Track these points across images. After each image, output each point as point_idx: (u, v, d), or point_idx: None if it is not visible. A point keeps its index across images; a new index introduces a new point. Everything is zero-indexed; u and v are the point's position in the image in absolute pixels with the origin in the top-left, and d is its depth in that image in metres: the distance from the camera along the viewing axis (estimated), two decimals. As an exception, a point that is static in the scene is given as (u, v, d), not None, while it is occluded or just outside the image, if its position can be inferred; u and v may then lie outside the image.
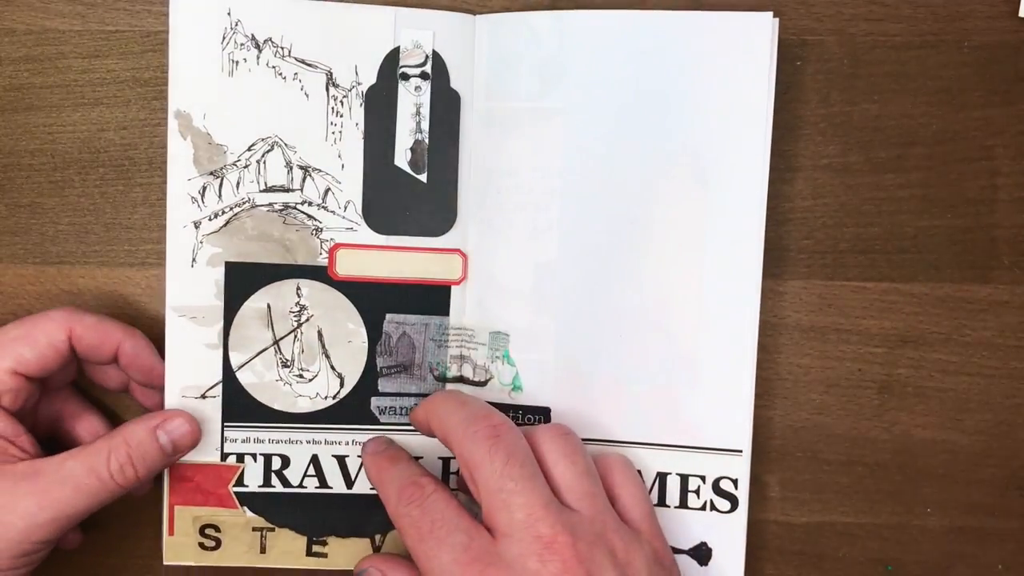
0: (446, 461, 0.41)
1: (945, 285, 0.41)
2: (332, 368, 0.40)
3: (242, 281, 0.40)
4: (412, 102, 0.40)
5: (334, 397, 0.40)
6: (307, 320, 0.40)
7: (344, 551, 0.41)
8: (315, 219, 0.40)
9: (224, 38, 0.39)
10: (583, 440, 0.37)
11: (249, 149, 0.39)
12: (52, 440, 0.39)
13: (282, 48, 0.39)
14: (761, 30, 0.38)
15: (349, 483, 0.41)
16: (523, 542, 0.32)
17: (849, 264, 0.41)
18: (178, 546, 0.40)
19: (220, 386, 0.40)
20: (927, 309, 0.41)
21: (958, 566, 0.42)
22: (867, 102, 0.40)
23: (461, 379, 0.41)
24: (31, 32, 0.40)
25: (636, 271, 0.39)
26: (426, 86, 0.40)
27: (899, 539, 0.42)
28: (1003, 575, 0.42)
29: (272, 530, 0.41)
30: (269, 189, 0.39)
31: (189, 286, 0.39)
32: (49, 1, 0.40)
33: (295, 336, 0.40)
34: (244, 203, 0.39)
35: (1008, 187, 0.41)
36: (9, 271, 0.41)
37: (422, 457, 0.41)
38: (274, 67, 0.39)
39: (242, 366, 0.40)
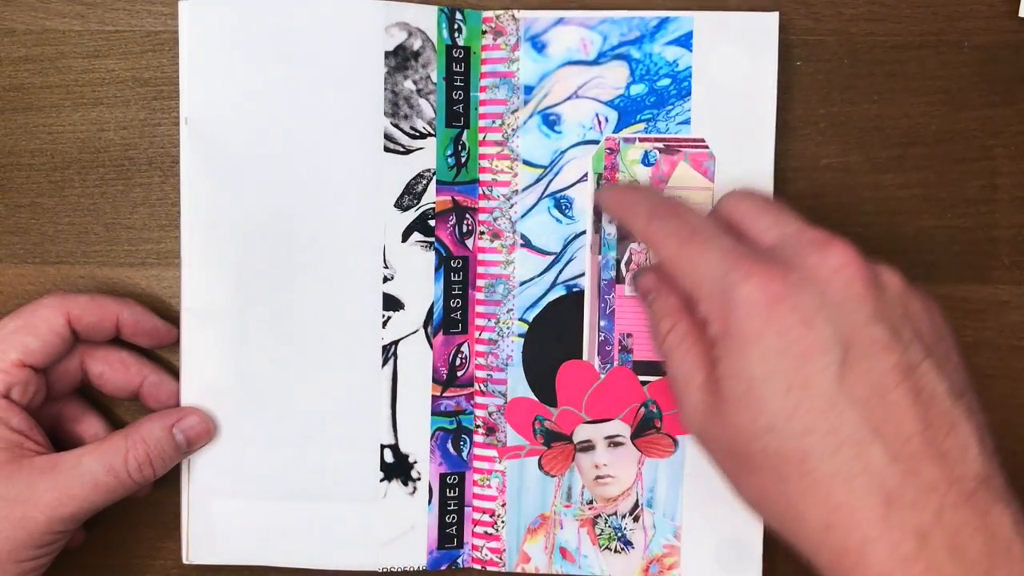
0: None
1: (945, 285, 0.43)
2: None
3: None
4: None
5: None
6: None
7: None
8: None
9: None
10: None
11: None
12: (53, 441, 0.41)
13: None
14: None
15: None
16: (798, 244, 0.33)
17: (849, 264, 0.44)
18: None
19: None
20: (927, 309, 0.44)
21: (957, 566, 0.44)
22: (867, 102, 0.43)
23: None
24: (31, 32, 0.43)
25: None
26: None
27: (898, 539, 0.44)
28: (1002, 574, 0.44)
29: None
30: None
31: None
32: (49, 1, 0.43)
33: None
34: None
35: (1008, 187, 0.43)
36: (9, 271, 0.44)
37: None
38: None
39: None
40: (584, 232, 0.43)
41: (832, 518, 0.31)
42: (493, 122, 0.43)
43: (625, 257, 0.42)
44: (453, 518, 0.44)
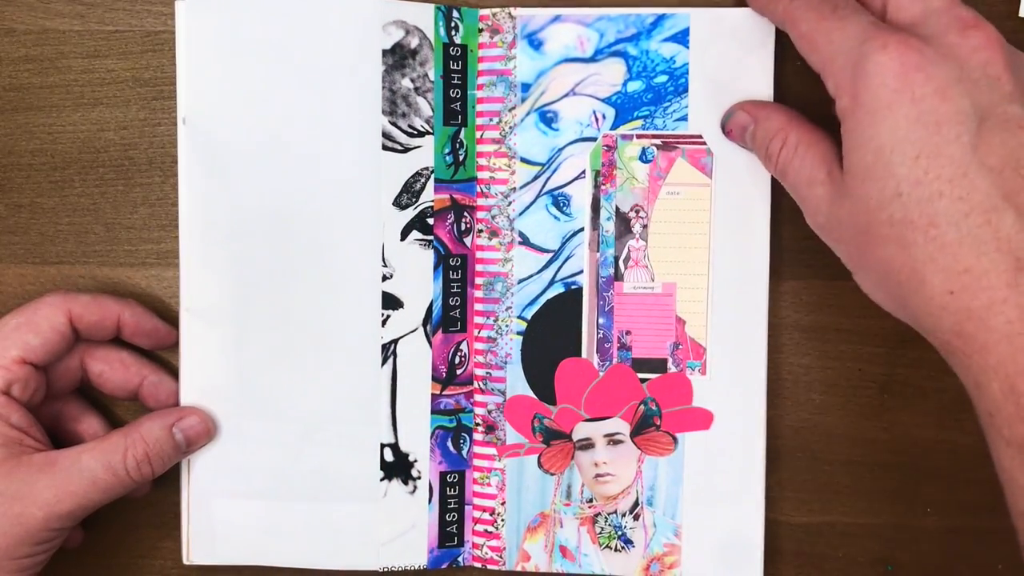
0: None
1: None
2: None
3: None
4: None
5: None
6: None
7: None
8: None
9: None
10: None
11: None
12: (53, 440, 0.42)
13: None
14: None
15: None
16: (942, 20, 0.33)
17: (849, 262, 0.44)
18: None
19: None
20: (927, 307, 0.44)
21: (958, 566, 0.44)
22: (866, 99, 0.43)
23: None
24: (31, 32, 0.44)
25: None
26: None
27: (899, 539, 0.44)
28: (1003, 575, 0.44)
29: None
30: None
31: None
32: (49, 1, 0.43)
33: None
34: None
35: (1009, 184, 0.43)
36: (9, 271, 0.45)
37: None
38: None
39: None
40: (582, 229, 0.43)
41: (957, 282, 0.31)
42: (490, 120, 0.43)
43: (623, 254, 0.43)
44: (453, 516, 0.44)
